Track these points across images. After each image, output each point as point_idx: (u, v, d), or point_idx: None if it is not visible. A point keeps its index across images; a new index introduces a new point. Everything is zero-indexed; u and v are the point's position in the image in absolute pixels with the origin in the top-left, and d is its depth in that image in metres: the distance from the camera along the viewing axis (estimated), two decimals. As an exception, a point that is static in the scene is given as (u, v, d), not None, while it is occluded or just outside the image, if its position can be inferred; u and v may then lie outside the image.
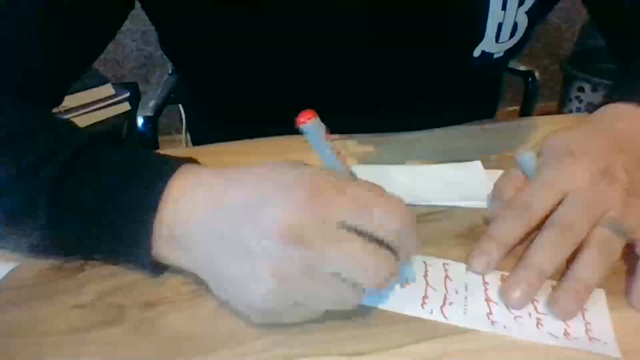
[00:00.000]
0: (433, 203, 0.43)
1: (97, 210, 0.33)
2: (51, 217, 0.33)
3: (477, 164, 0.48)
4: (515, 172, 0.41)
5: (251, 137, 0.54)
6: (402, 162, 0.49)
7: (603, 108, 0.44)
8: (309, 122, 0.29)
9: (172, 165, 0.33)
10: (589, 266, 0.33)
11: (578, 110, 1.91)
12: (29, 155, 0.34)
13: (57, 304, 0.33)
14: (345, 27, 0.49)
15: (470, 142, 0.52)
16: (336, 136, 0.54)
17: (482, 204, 0.42)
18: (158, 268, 0.34)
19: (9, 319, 0.33)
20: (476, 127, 0.57)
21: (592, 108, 0.46)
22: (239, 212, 0.29)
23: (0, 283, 0.35)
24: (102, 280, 0.35)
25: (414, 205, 0.42)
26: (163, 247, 0.32)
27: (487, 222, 0.40)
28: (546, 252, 0.34)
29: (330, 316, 0.31)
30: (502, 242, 0.36)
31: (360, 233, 0.28)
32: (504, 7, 0.48)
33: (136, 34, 1.69)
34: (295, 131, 0.29)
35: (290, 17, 0.49)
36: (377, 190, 0.30)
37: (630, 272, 0.35)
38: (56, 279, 0.35)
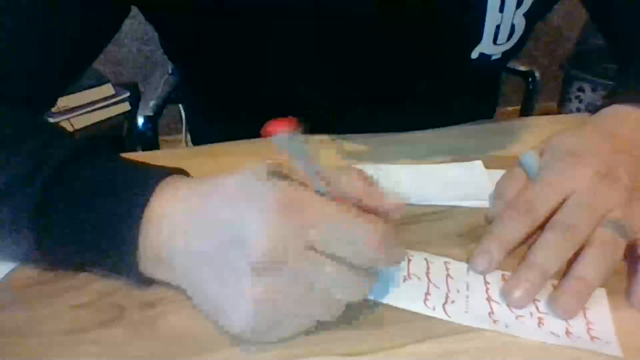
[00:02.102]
0: (433, 203, 0.43)
1: (83, 232, 0.32)
2: (38, 235, 0.33)
3: (478, 163, 0.48)
4: (517, 172, 0.41)
5: (251, 137, 0.54)
6: (402, 162, 0.49)
7: (605, 109, 0.44)
8: (281, 134, 0.26)
9: (151, 182, 0.33)
10: (590, 266, 0.33)
11: (578, 110, 1.91)
12: (14, 169, 0.34)
13: (57, 304, 0.33)
14: (345, 30, 0.49)
15: (470, 142, 0.52)
16: (335, 136, 0.54)
17: (483, 203, 0.42)
18: (149, 281, 0.34)
19: (9, 319, 0.33)
20: (476, 127, 0.57)
21: (593, 109, 0.46)
22: (219, 233, 0.29)
23: (0, 283, 0.35)
24: (102, 280, 0.35)
25: (414, 205, 0.42)
26: (150, 267, 0.32)
27: (488, 222, 0.40)
28: (549, 253, 0.34)
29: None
30: (504, 242, 0.36)
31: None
32: (501, 10, 0.48)
33: (136, 34, 1.69)
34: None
35: (292, 18, 0.49)
36: (348, 211, 0.28)
37: (631, 273, 0.35)
38: (56, 279, 0.35)
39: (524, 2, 0.49)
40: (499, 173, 0.42)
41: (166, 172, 0.34)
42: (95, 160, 0.35)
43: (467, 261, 0.36)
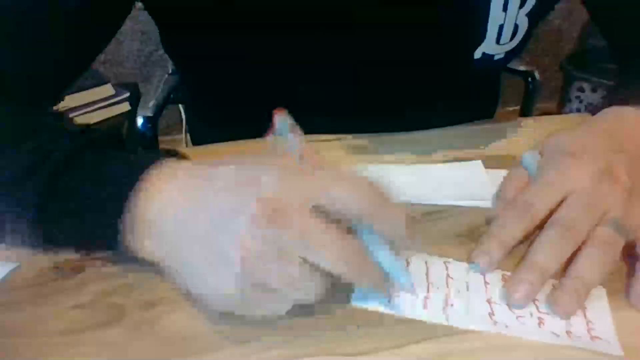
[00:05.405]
0: (433, 203, 0.43)
1: (83, 212, 0.33)
2: (43, 224, 0.33)
3: (478, 163, 0.48)
4: (519, 172, 0.41)
5: (251, 137, 0.53)
6: (402, 162, 0.49)
7: (605, 109, 0.44)
8: (280, 117, 0.32)
9: (148, 162, 0.34)
10: (589, 265, 0.33)
11: (578, 110, 1.91)
12: (18, 163, 0.34)
13: (57, 304, 0.33)
14: (347, 29, 0.49)
15: (470, 142, 0.52)
16: (336, 136, 0.54)
17: (483, 203, 0.42)
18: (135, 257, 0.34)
19: (9, 319, 0.33)
20: (476, 127, 0.57)
21: (594, 110, 0.46)
22: (213, 199, 0.30)
23: (0, 283, 0.35)
24: (102, 280, 0.35)
25: (414, 205, 0.42)
26: (137, 241, 0.33)
27: (488, 221, 0.40)
28: (548, 252, 0.34)
29: (331, 316, 0.31)
30: (504, 241, 0.36)
31: (327, 215, 0.29)
32: (504, 9, 0.48)
33: (136, 34, 1.69)
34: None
35: (292, 19, 0.49)
36: (338, 172, 0.31)
37: (631, 272, 0.35)
38: (56, 279, 0.35)
39: (527, 2, 0.49)
40: (498, 173, 0.42)
41: (163, 154, 0.35)
42: (98, 152, 0.36)
43: (467, 261, 0.36)
